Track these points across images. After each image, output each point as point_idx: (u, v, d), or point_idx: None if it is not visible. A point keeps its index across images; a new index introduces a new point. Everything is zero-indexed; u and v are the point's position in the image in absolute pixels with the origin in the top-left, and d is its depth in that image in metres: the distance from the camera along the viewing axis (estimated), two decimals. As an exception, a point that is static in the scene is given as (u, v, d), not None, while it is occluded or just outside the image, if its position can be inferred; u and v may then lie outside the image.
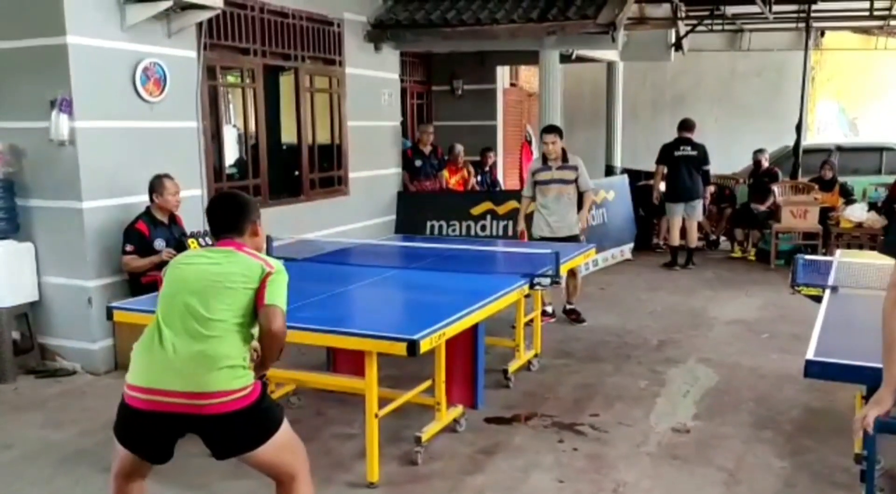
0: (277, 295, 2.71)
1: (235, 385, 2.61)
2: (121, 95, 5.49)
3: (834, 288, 4.09)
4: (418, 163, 9.17)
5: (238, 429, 2.64)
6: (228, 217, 2.90)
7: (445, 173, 9.45)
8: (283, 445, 2.75)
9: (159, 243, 5.40)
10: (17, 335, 5.50)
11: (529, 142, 11.96)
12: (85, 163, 5.25)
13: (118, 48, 5.44)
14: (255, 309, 2.70)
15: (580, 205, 6.65)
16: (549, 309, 6.70)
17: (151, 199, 5.46)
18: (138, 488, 2.83)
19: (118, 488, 2.80)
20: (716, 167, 10.10)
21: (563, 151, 6.58)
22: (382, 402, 3.78)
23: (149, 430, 2.67)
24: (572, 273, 6.45)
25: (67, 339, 5.53)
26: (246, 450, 2.68)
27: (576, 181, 6.56)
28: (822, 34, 12.99)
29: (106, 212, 5.44)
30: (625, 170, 11.06)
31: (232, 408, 2.60)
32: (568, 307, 6.68)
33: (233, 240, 2.85)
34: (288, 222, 6.63)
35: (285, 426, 2.77)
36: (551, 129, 6.70)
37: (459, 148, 9.62)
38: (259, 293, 2.70)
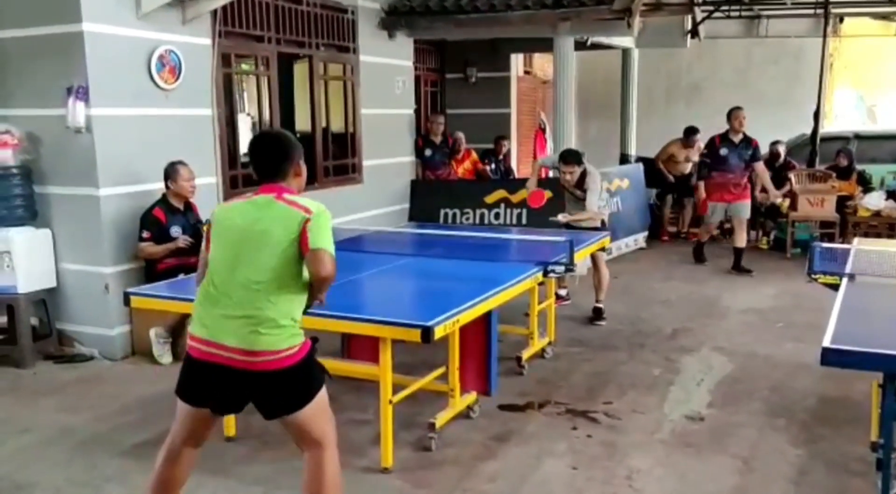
0: (321, 238, 2.70)
1: (283, 345, 2.69)
2: (136, 83, 5.51)
3: (851, 276, 4.05)
4: (428, 152, 9.12)
5: (286, 387, 2.73)
6: (273, 161, 2.91)
7: (453, 163, 9.40)
8: (322, 408, 2.83)
9: (175, 230, 5.44)
10: (36, 321, 5.57)
11: (543, 130, 11.88)
12: (101, 150, 5.28)
13: (133, 36, 5.45)
14: (302, 256, 2.72)
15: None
16: (562, 292, 6.69)
17: (167, 186, 5.50)
18: (190, 455, 2.88)
19: (170, 452, 2.84)
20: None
21: (582, 175, 6.26)
22: (396, 388, 3.80)
23: (209, 381, 2.75)
24: (595, 266, 6.42)
25: (85, 325, 5.58)
26: (293, 410, 2.75)
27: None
28: (841, 20, 12.78)
29: (122, 198, 5.47)
30: (639, 159, 10.99)
31: (280, 366, 2.68)
32: (595, 305, 6.42)
33: (276, 184, 2.88)
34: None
35: (324, 390, 2.84)
36: (570, 160, 6.24)
37: (459, 135, 9.48)
38: (302, 240, 2.70)
